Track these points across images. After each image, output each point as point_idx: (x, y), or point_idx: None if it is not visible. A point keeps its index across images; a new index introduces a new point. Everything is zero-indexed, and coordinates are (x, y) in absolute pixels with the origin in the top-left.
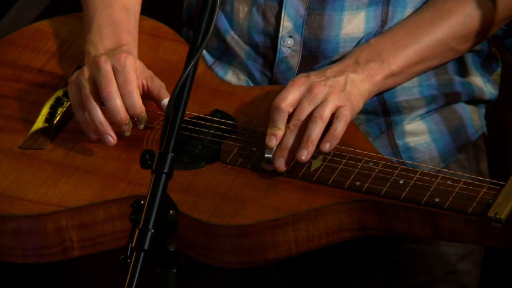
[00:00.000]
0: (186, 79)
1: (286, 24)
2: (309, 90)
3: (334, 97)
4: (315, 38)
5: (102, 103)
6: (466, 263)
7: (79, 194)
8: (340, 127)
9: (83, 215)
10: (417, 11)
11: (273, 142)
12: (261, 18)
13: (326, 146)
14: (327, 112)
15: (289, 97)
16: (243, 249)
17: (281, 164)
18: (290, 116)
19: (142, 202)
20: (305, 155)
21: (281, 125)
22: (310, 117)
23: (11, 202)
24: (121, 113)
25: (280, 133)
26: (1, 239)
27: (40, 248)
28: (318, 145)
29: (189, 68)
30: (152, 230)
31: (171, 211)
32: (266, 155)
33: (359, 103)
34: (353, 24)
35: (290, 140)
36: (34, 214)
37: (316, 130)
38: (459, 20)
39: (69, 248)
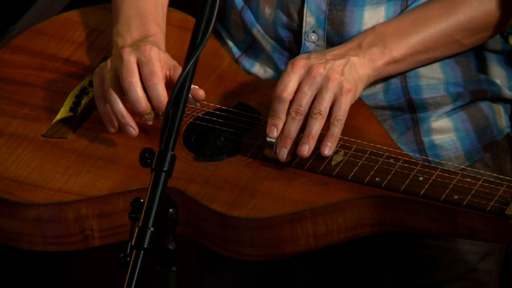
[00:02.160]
0: (185, 77)
1: (309, 19)
2: (309, 73)
3: (332, 84)
4: (337, 34)
5: (123, 95)
6: (487, 262)
7: (100, 184)
8: (335, 130)
9: (103, 205)
10: (427, 2)
11: (273, 133)
12: (284, 14)
13: (325, 150)
14: (325, 106)
15: (290, 85)
16: (261, 242)
17: (283, 153)
18: (291, 102)
19: (142, 200)
20: (306, 150)
21: (282, 114)
22: (310, 112)
23: (33, 190)
24: (142, 103)
25: (281, 123)
26: (22, 226)
27: (60, 236)
28: (340, 139)
29: (188, 67)
30: (152, 228)
31: (170, 210)
32: (268, 144)
33: (357, 88)
34: (374, 19)
35: (291, 128)
36: (54, 202)
37: (316, 126)
38: (467, 14)
39: (90, 237)
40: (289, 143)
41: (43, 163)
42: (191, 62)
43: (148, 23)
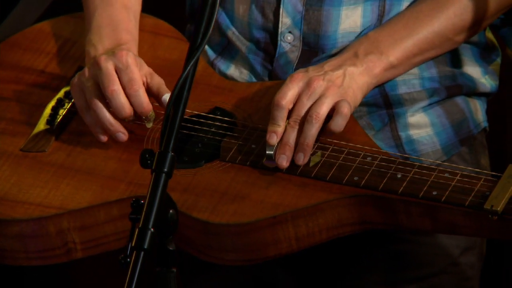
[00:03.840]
0: (186, 78)
1: (285, 20)
2: (308, 85)
3: (331, 93)
4: (314, 34)
5: (106, 102)
6: (469, 255)
7: (80, 196)
8: (340, 121)
9: (84, 217)
10: (415, 3)
11: (273, 140)
12: (260, 15)
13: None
14: (323, 110)
15: (289, 94)
16: (243, 246)
17: (282, 160)
18: (290, 112)
19: (142, 201)
20: (302, 158)
21: (281, 122)
22: (307, 117)
23: (13, 206)
24: (126, 110)
25: (280, 130)
26: (5, 242)
27: (43, 250)
28: (317, 140)
29: (189, 67)
30: (152, 230)
31: (171, 211)
32: (267, 152)
33: (356, 97)
34: (351, 19)
35: (290, 136)
36: (35, 217)
37: (312, 131)
38: (457, 12)
39: (72, 250)
40: (287, 151)
41: (22, 178)
42: (191, 63)
43: (119, 31)
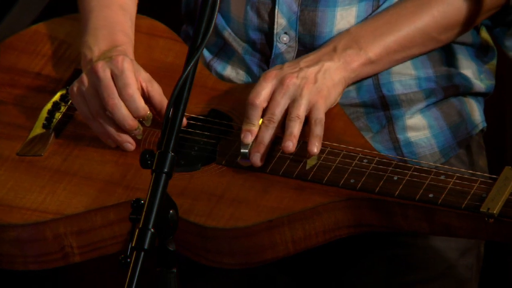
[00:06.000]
0: (186, 79)
1: (280, 21)
2: (281, 82)
3: (306, 92)
4: (309, 35)
5: None
6: (467, 257)
7: (76, 201)
8: (318, 130)
9: (80, 222)
10: (401, 0)
11: (248, 138)
12: (255, 16)
13: (314, 149)
14: (301, 111)
15: (262, 93)
16: (241, 250)
17: (257, 158)
18: (265, 110)
19: (142, 201)
20: (290, 146)
21: (256, 121)
22: (288, 117)
23: (10, 211)
24: (129, 121)
25: (255, 129)
26: (1, 247)
27: (40, 255)
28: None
29: (189, 68)
30: (152, 230)
31: (171, 211)
32: (242, 151)
33: (331, 95)
34: (346, 19)
35: (265, 135)
36: (32, 222)
37: (296, 128)
38: (440, 10)
39: (70, 254)
40: (262, 149)
41: (19, 183)
42: (192, 63)
43: (115, 33)
